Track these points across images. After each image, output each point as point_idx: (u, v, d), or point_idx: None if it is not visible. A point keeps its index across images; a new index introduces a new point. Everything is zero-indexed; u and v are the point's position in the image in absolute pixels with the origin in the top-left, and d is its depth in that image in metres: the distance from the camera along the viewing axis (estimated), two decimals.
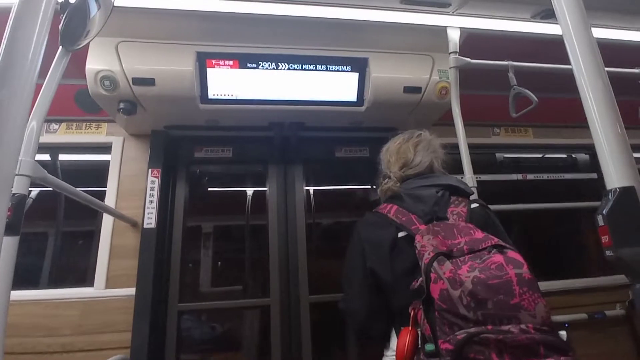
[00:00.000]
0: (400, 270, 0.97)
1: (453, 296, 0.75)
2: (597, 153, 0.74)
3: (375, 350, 1.18)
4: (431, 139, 1.24)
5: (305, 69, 1.88)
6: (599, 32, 1.69)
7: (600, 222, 0.73)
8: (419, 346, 0.85)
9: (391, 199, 1.13)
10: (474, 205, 1.08)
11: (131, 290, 1.89)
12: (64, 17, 1.05)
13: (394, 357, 0.94)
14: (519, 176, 2.72)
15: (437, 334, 0.77)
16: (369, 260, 1.03)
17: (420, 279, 0.85)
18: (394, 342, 1.02)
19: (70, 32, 1.09)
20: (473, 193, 1.15)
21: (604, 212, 0.74)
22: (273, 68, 1.85)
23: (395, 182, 1.15)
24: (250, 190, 2.53)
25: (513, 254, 0.82)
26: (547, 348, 0.70)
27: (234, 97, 1.89)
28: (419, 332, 0.86)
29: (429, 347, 0.78)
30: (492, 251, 0.83)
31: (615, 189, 0.73)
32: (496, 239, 0.88)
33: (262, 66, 1.84)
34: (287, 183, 2.35)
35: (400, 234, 1.01)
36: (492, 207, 1.52)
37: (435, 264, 0.81)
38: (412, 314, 0.88)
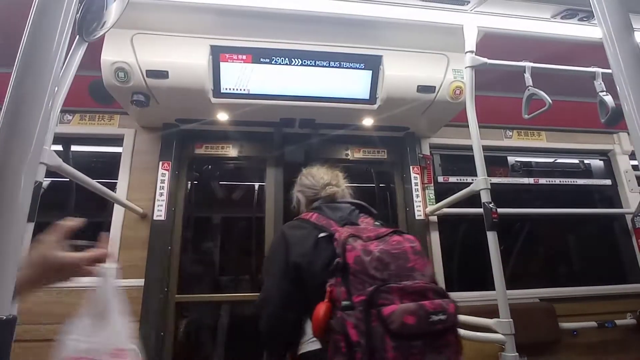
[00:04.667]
0: (320, 261, 1.11)
1: (364, 260, 0.98)
2: (637, 156, 0.72)
3: None
4: (338, 172, 1.47)
5: (318, 65, 1.87)
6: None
7: (638, 224, 0.70)
8: (331, 312, 1.01)
9: (312, 209, 1.31)
10: (377, 223, 1.27)
11: (140, 281, 1.91)
12: (81, 7, 1.05)
13: (310, 341, 1.13)
14: (531, 180, 2.68)
15: (351, 292, 0.96)
16: (292, 254, 1.15)
17: (337, 259, 1.03)
18: (309, 328, 1.13)
19: (87, 22, 1.10)
20: (377, 213, 1.34)
21: None
22: (286, 63, 1.84)
23: (314, 200, 1.36)
24: (259, 185, 2.53)
25: (409, 236, 1.09)
26: (433, 293, 0.96)
27: (246, 92, 1.88)
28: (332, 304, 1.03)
29: (345, 302, 0.95)
30: (393, 235, 1.08)
31: None
32: (397, 228, 1.13)
33: (276, 61, 1.84)
34: None
35: (321, 235, 1.16)
36: (501, 210, 1.52)
37: (350, 239, 1.04)
38: (328, 290, 1.03)
